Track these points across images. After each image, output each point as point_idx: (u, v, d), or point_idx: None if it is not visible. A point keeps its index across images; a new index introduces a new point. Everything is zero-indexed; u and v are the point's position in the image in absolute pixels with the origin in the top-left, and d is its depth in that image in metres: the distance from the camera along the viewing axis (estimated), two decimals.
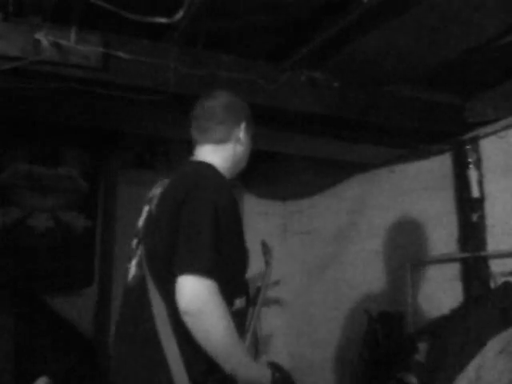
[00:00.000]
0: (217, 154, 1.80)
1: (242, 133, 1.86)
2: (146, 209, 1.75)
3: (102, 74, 2.50)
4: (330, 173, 4.57)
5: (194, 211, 1.53)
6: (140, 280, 1.62)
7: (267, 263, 2.10)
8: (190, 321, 1.44)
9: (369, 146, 3.68)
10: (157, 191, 1.73)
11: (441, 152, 3.67)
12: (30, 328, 3.82)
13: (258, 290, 1.99)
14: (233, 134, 1.84)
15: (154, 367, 1.50)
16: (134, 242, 1.74)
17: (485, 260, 3.25)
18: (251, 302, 1.87)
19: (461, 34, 2.59)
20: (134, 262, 1.69)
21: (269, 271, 2.07)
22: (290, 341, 5.05)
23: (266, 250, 2.15)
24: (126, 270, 1.73)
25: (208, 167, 1.71)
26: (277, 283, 2.15)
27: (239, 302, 1.65)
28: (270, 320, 4.66)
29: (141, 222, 1.75)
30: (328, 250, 4.68)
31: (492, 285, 3.15)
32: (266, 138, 3.47)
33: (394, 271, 3.89)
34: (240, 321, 1.57)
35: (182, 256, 1.48)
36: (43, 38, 2.33)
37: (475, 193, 3.35)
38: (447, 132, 3.42)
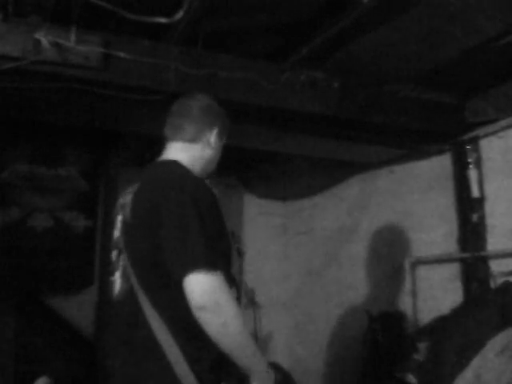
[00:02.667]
0: (185, 153, 1.80)
1: (213, 137, 1.84)
2: (119, 218, 1.72)
3: (102, 74, 2.50)
4: (330, 173, 4.58)
5: (175, 210, 1.51)
6: (128, 291, 1.61)
7: (240, 252, 2.11)
8: (206, 317, 1.43)
9: (369, 146, 3.68)
10: (127, 198, 1.71)
11: (441, 152, 3.66)
12: (30, 328, 3.82)
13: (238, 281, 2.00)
14: (204, 135, 1.83)
15: (158, 375, 1.50)
16: (114, 253, 1.72)
17: (485, 260, 3.25)
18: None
19: (461, 34, 2.59)
20: (117, 275, 1.68)
21: (243, 259, 2.08)
22: (290, 341, 5.05)
23: (235, 239, 2.15)
24: (111, 284, 1.71)
25: (177, 165, 1.70)
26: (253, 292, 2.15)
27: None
28: (270, 320, 4.67)
29: (117, 232, 1.73)
30: (328, 249, 4.68)
31: (492, 285, 3.15)
32: (266, 138, 3.47)
33: (394, 271, 3.89)
34: None
35: (181, 256, 1.46)
36: (43, 38, 2.33)
37: (475, 193, 3.34)
38: (447, 132, 3.42)
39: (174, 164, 1.71)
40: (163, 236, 1.50)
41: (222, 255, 1.59)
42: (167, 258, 1.49)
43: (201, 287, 1.43)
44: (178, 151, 1.80)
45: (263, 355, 1.57)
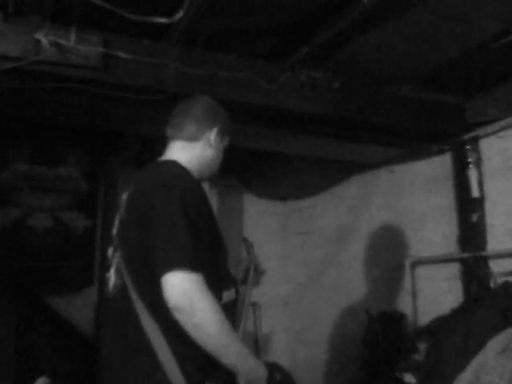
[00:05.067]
0: (185, 152, 1.81)
1: (213, 136, 1.85)
2: (117, 216, 1.75)
3: (102, 74, 2.50)
4: (330, 173, 4.57)
5: (163, 211, 1.53)
6: (121, 288, 1.62)
7: (251, 258, 2.12)
8: (181, 318, 1.44)
9: (369, 146, 3.68)
10: (124, 197, 1.74)
11: (441, 152, 3.66)
12: (30, 328, 3.82)
13: (246, 271, 2.01)
14: (204, 134, 1.84)
15: (148, 372, 1.51)
16: (110, 250, 1.75)
17: (485, 260, 3.25)
18: (241, 282, 1.87)
19: (461, 34, 2.59)
20: (112, 271, 1.69)
21: (253, 265, 2.08)
22: (290, 341, 5.05)
23: (248, 245, 2.16)
24: (106, 280, 1.73)
25: (173, 165, 1.71)
26: (262, 272, 2.16)
27: (227, 295, 1.65)
28: (270, 320, 4.66)
29: (114, 230, 1.75)
30: (328, 249, 4.68)
31: (492, 285, 3.15)
32: (266, 138, 3.47)
33: (393, 271, 3.89)
34: (230, 314, 1.58)
35: (163, 255, 1.48)
36: (43, 38, 2.33)
37: (475, 193, 3.34)
38: (447, 132, 3.42)
39: (171, 164, 1.73)
40: (151, 236, 1.52)
41: (211, 256, 1.59)
42: (153, 257, 1.50)
43: (175, 288, 1.44)
44: (178, 150, 1.82)
45: (251, 354, 1.57)
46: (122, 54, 2.51)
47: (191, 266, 1.45)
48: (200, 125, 1.84)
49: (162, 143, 1.91)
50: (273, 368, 4.11)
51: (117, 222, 1.75)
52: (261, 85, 2.82)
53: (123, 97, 2.62)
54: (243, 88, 2.78)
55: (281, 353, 4.85)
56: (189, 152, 1.81)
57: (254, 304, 4.08)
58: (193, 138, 1.83)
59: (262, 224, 5.16)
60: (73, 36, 2.39)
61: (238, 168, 4.71)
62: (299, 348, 4.95)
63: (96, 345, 4.13)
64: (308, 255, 4.97)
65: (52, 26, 2.38)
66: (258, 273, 2.14)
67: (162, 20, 2.32)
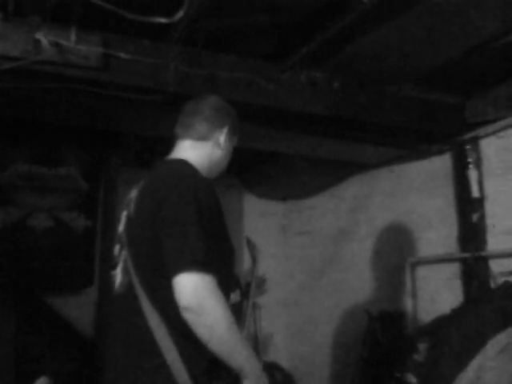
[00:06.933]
0: (194, 151, 1.80)
1: (222, 137, 1.84)
2: (125, 213, 1.73)
3: (102, 74, 2.50)
4: (330, 173, 4.57)
5: (176, 209, 1.51)
6: (128, 286, 1.61)
7: (254, 258, 2.12)
8: (192, 318, 1.43)
9: (369, 146, 3.68)
10: (133, 195, 1.72)
11: (441, 152, 3.67)
12: (30, 328, 3.82)
13: (248, 284, 2.00)
14: (214, 134, 1.84)
15: (154, 371, 1.50)
16: (117, 248, 1.73)
17: (485, 260, 3.25)
18: (244, 296, 1.87)
19: (461, 34, 2.59)
20: (119, 269, 1.68)
21: (256, 266, 2.09)
22: (290, 341, 5.05)
23: (251, 246, 2.17)
24: (112, 278, 1.71)
25: (183, 164, 1.70)
26: (264, 281, 2.16)
27: (233, 296, 1.64)
28: (270, 320, 4.67)
29: (121, 227, 1.74)
30: (328, 249, 4.68)
31: (492, 285, 3.15)
32: (266, 137, 3.48)
33: (393, 271, 3.89)
34: (236, 315, 1.57)
35: (175, 255, 1.47)
36: (43, 38, 2.33)
37: (475, 193, 3.35)
38: (447, 132, 3.42)
39: (181, 162, 1.71)
40: (162, 234, 1.51)
41: (220, 257, 1.58)
42: (164, 256, 1.49)
43: (187, 288, 1.43)
44: (187, 149, 1.81)
45: (257, 357, 1.56)
46: (122, 54, 2.51)
47: (204, 267, 1.44)
48: (210, 125, 1.83)
49: (162, 143, 1.91)
50: (273, 368, 4.11)
51: (124, 219, 1.73)
52: (261, 85, 2.83)
53: (123, 97, 2.62)
54: (243, 88, 2.79)
55: (281, 353, 4.85)
56: (198, 151, 1.80)
57: (253, 304, 4.09)
58: (202, 138, 1.82)
59: (262, 224, 5.16)
60: (73, 36, 2.39)
61: (238, 168, 4.71)
62: (299, 348, 4.95)
63: (96, 345, 4.13)
64: (308, 255, 4.97)
65: (52, 26, 2.38)
66: (261, 282, 2.14)
67: (162, 20, 2.32)
